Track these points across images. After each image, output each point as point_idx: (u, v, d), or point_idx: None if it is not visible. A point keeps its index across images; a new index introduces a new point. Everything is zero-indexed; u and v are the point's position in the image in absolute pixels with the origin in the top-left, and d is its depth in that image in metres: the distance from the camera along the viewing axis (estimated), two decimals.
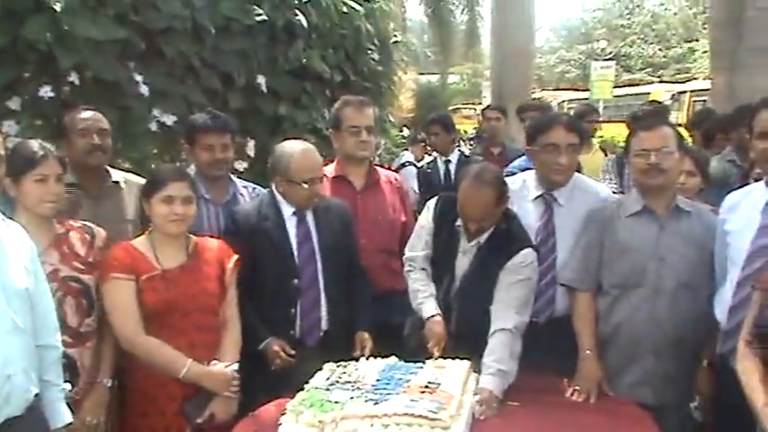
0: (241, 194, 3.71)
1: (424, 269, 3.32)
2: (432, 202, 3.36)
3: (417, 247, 3.34)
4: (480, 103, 23.99)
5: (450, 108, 19.70)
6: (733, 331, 2.80)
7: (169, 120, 4.23)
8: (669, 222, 3.12)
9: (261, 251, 3.27)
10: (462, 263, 3.19)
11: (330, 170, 3.75)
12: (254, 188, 3.81)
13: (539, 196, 3.40)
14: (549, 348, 3.13)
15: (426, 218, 3.34)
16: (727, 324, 2.87)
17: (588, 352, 3.13)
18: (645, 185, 3.14)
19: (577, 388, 3.04)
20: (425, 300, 3.21)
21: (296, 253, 3.31)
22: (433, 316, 3.15)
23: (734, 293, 2.85)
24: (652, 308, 3.07)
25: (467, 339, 3.08)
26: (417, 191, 6.11)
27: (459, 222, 3.16)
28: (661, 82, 27.78)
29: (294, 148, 3.32)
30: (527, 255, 3.13)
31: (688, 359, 3.12)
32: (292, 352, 3.21)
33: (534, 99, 13.73)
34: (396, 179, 4.05)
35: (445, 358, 2.99)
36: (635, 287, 3.10)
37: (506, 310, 3.04)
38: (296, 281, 3.28)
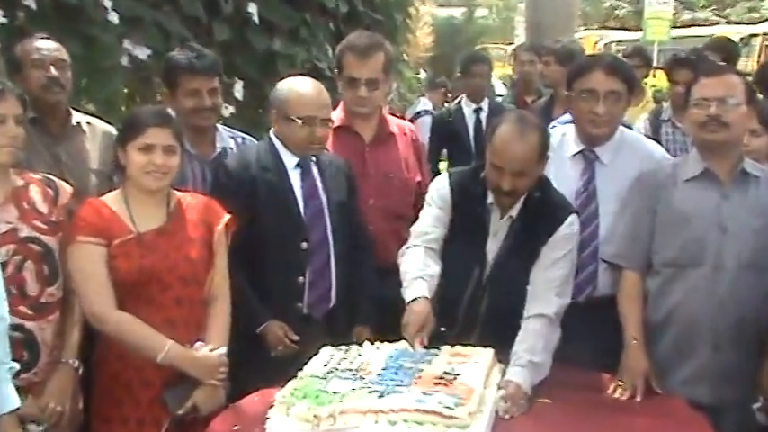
0: (230, 148, 3.71)
1: (430, 249, 3.20)
2: (443, 180, 3.28)
3: (427, 222, 3.26)
4: (512, 43, 23.79)
5: (477, 47, 19.55)
6: None
7: (142, 53, 4.20)
8: (734, 189, 3.11)
9: (262, 208, 3.29)
10: (493, 245, 3.16)
11: (335, 118, 3.71)
12: (244, 139, 3.81)
13: (578, 152, 3.40)
14: (588, 334, 3.14)
15: (441, 198, 3.23)
16: None
17: (635, 341, 3.12)
18: (704, 142, 3.13)
19: (621, 383, 3.04)
20: (414, 281, 3.06)
21: (303, 209, 3.34)
22: (416, 299, 3.00)
23: None
24: (711, 290, 3.06)
25: (497, 330, 3.06)
26: (428, 142, 6.15)
27: (490, 200, 3.11)
28: (728, 23, 27.45)
29: (297, 80, 3.39)
30: (572, 223, 3.12)
31: (752, 352, 3.09)
32: (296, 337, 3.25)
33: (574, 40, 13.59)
34: (411, 130, 4.06)
35: (465, 345, 2.98)
36: (692, 265, 3.09)
37: (546, 293, 3.04)
38: (305, 243, 3.31)
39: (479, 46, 21.47)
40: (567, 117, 4.27)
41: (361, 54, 3.70)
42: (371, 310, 3.47)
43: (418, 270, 3.09)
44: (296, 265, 3.32)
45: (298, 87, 3.35)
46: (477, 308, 3.14)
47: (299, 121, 3.27)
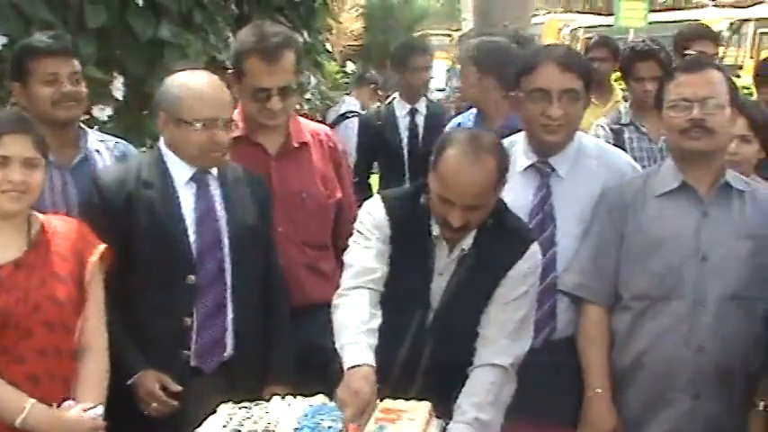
0: (98, 152, 3.67)
1: (374, 291, 3.13)
2: (375, 205, 3.22)
3: (370, 257, 3.16)
4: (459, 29, 23.98)
5: (417, 34, 19.68)
6: None
7: None
8: (715, 206, 3.19)
9: (139, 233, 3.26)
10: (439, 285, 3.15)
11: None
12: (118, 142, 3.77)
13: (530, 165, 3.43)
14: (546, 384, 3.19)
15: (377, 227, 3.17)
16: None
17: (599, 390, 3.19)
18: (684, 151, 3.20)
19: None
20: (356, 337, 2.96)
21: (192, 235, 3.31)
22: (357, 366, 2.88)
23: None
24: (690, 328, 3.13)
25: (441, 385, 3.06)
26: (355, 151, 6.25)
27: (436, 232, 3.08)
28: (716, 6, 28.14)
29: (191, 75, 3.35)
30: (534, 254, 3.15)
31: (738, 400, 3.19)
32: (177, 388, 3.20)
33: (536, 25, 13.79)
34: (327, 136, 4.03)
35: (396, 398, 2.99)
36: (667, 299, 3.17)
37: (501, 338, 3.07)
38: (192, 277, 3.29)
39: (419, 33, 21.60)
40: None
41: (271, 58, 3.62)
42: (287, 366, 3.45)
43: (361, 323, 2.99)
44: (180, 303, 3.28)
45: (192, 84, 3.30)
46: (417, 360, 3.11)
47: (197, 125, 3.24)
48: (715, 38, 6.19)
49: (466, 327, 3.10)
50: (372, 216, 3.17)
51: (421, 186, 3.13)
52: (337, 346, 3.01)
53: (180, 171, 3.34)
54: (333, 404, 2.96)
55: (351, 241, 3.23)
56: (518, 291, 3.09)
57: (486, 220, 3.07)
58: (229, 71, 3.80)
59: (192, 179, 3.35)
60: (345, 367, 2.90)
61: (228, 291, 3.35)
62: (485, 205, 2.99)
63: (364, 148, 6.49)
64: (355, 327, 2.98)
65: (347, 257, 3.21)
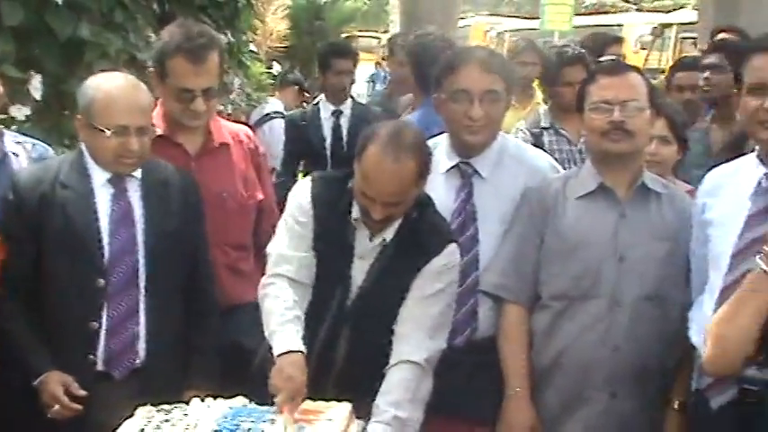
0: (15, 154, 3.60)
1: (296, 282, 3.22)
2: (304, 186, 3.31)
3: (292, 247, 3.25)
4: (387, 31, 24.04)
5: (344, 35, 19.65)
6: None
7: None
8: (632, 208, 3.25)
9: (51, 233, 3.22)
10: (358, 271, 3.19)
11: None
12: (36, 144, 3.70)
13: (453, 167, 3.46)
14: (467, 384, 3.25)
15: (300, 208, 3.25)
16: (705, 348, 2.99)
17: (518, 390, 3.23)
18: (604, 153, 3.25)
19: None
20: (284, 326, 3.08)
21: (106, 238, 3.26)
22: (289, 352, 2.99)
23: (715, 307, 2.95)
24: (608, 327, 3.18)
25: (359, 377, 3.09)
26: (282, 151, 6.27)
27: (355, 214, 3.14)
28: (639, 10, 28.55)
29: (107, 78, 3.29)
30: (452, 253, 3.19)
31: (653, 398, 3.25)
32: (82, 393, 3.15)
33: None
34: (248, 137, 4.02)
35: (316, 399, 3.00)
36: (585, 298, 3.22)
37: (416, 334, 3.09)
38: (101, 280, 3.24)
39: (346, 34, 21.58)
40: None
41: (196, 59, 3.58)
42: (209, 369, 3.41)
43: (286, 309, 3.09)
44: (87, 307, 3.22)
45: (107, 89, 3.23)
46: (336, 344, 3.16)
47: (108, 132, 3.19)
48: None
49: (384, 313, 3.13)
50: (297, 198, 3.25)
51: (351, 173, 3.14)
52: (266, 333, 3.11)
53: (98, 173, 3.29)
54: (253, 406, 2.97)
55: (277, 227, 3.31)
56: (433, 287, 3.13)
57: (410, 212, 3.12)
58: (151, 70, 3.76)
59: (110, 181, 3.30)
60: (276, 354, 2.99)
61: (142, 296, 3.29)
62: (405, 201, 3.05)
63: (290, 148, 6.50)
64: (281, 314, 3.08)
65: (269, 246, 3.29)
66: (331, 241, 3.19)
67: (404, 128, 3.16)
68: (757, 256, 2.60)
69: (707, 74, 5.28)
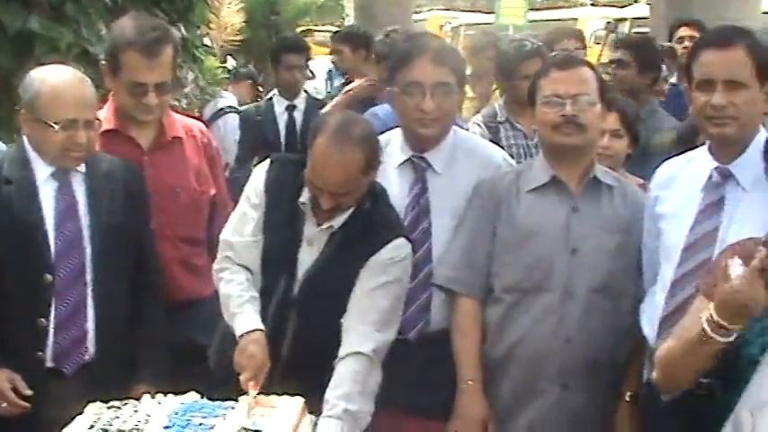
0: None
1: (247, 268, 3.28)
2: (262, 168, 3.34)
3: (243, 230, 3.30)
4: (342, 26, 23.96)
5: (299, 29, 19.58)
6: None
7: None
8: (584, 201, 3.27)
9: None
10: (307, 256, 3.20)
11: (101, 118, 3.63)
12: None
13: (406, 160, 3.47)
14: (420, 377, 3.24)
15: (255, 190, 3.30)
16: (656, 341, 3.01)
17: (471, 383, 3.24)
18: (555, 146, 3.27)
19: None
20: (242, 307, 3.16)
21: (51, 233, 3.23)
22: (250, 331, 3.10)
23: (667, 299, 3.01)
24: (559, 319, 3.20)
25: (306, 367, 3.10)
26: (238, 146, 6.26)
27: (304, 198, 3.16)
28: (593, 5, 28.74)
29: (53, 71, 3.26)
30: (399, 246, 3.19)
31: (604, 390, 3.28)
32: (28, 392, 3.13)
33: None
34: (201, 132, 4.01)
35: (268, 394, 3.00)
36: (538, 291, 3.24)
37: (363, 326, 3.09)
38: (48, 276, 3.21)
39: (302, 28, 21.51)
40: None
41: (150, 53, 3.55)
42: (158, 364, 3.39)
43: (242, 291, 3.19)
44: (35, 303, 3.20)
45: (52, 82, 3.21)
46: (283, 330, 3.17)
47: (56, 126, 3.16)
48: (580, 37, 6.38)
49: (330, 301, 3.14)
50: (254, 179, 3.30)
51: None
52: (226, 317, 3.22)
53: (42, 167, 3.27)
54: (205, 401, 2.96)
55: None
56: (380, 279, 3.14)
57: (364, 202, 3.15)
58: (104, 63, 3.73)
59: (53, 175, 3.27)
60: (237, 334, 3.10)
61: (90, 291, 3.27)
62: (353, 191, 3.08)
63: (245, 143, 6.49)
64: (238, 296, 3.18)
65: (222, 232, 3.35)
66: (280, 224, 3.22)
67: (352, 119, 3.19)
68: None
69: (611, 69, 5.47)
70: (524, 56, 5.15)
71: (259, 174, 3.31)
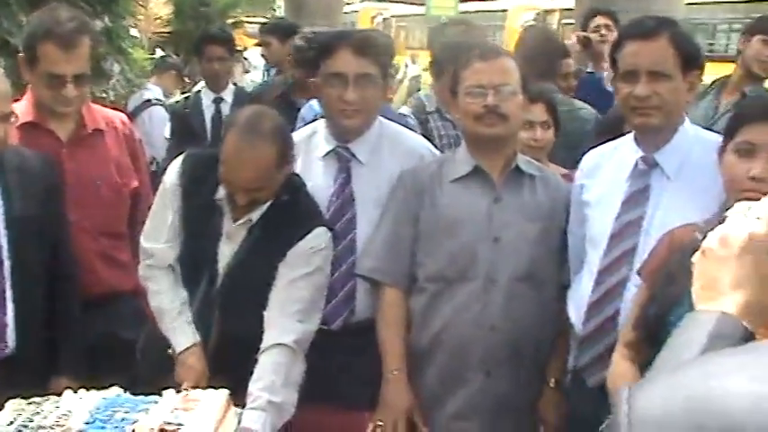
0: None
1: (170, 268, 3.25)
2: (176, 164, 3.30)
3: (159, 235, 3.27)
4: (273, 17, 23.84)
5: (230, 21, 19.46)
6: (591, 338, 3.02)
7: None
8: (506, 190, 3.29)
9: None
10: (227, 251, 3.19)
11: (20, 111, 3.58)
12: None
13: (330, 151, 3.46)
14: (344, 368, 3.25)
15: (169, 188, 3.26)
16: (583, 328, 3.07)
17: (396, 372, 3.25)
18: (478, 136, 3.28)
19: (380, 423, 3.15)
20: (175, 322, 3.18)
21: None
22: (188, 348, 3.14)
23: (594, 287, 3.05)
24: (483, 307, 3.22)
25: (232, 361, 3.09)
26: (168, 138, 6.21)
27: (220, 194, 3.14)
28: None
29: None
30: (318, 236, 3.19)
31: (529, 377, 3.31)
32: None
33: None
34: (123, 123, 3.96)
35: (194, 387, 2.98)
36: (461, 280, 3.25)
37: (284, 318, 3.09)
38: None
39: (232, 20, 21.37)
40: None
41: (67, 44, 3.50)
42: (75, 356, 3.35)
43: (171, 302, 3.19)
44: None
45: None
46: (207, 327, 3.17)
47: None
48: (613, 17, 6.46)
49: (252, 296, 3.13)
50: (167, 176, 3.27)
51: None
52: (162, 330, 3.21)
53: None
54: (128, 396, 2.92)
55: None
56: (299, 271, 3.13)
57: (281, 194, 3.14)
58: (21, 55, 3.66)
59: None
60: (176, 351, 3.14)
61: (8, 285, 3.20)
62: (267, 186, 3.07)
63: (175, 135, 6.42)
64: (168, 310, 3.20)
65: (141, 236, 3.33)
66: (198, 221, 3.20)
67: (262, 114, 3.16)
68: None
69: None
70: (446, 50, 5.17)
71: (172, 171, 3.27)
